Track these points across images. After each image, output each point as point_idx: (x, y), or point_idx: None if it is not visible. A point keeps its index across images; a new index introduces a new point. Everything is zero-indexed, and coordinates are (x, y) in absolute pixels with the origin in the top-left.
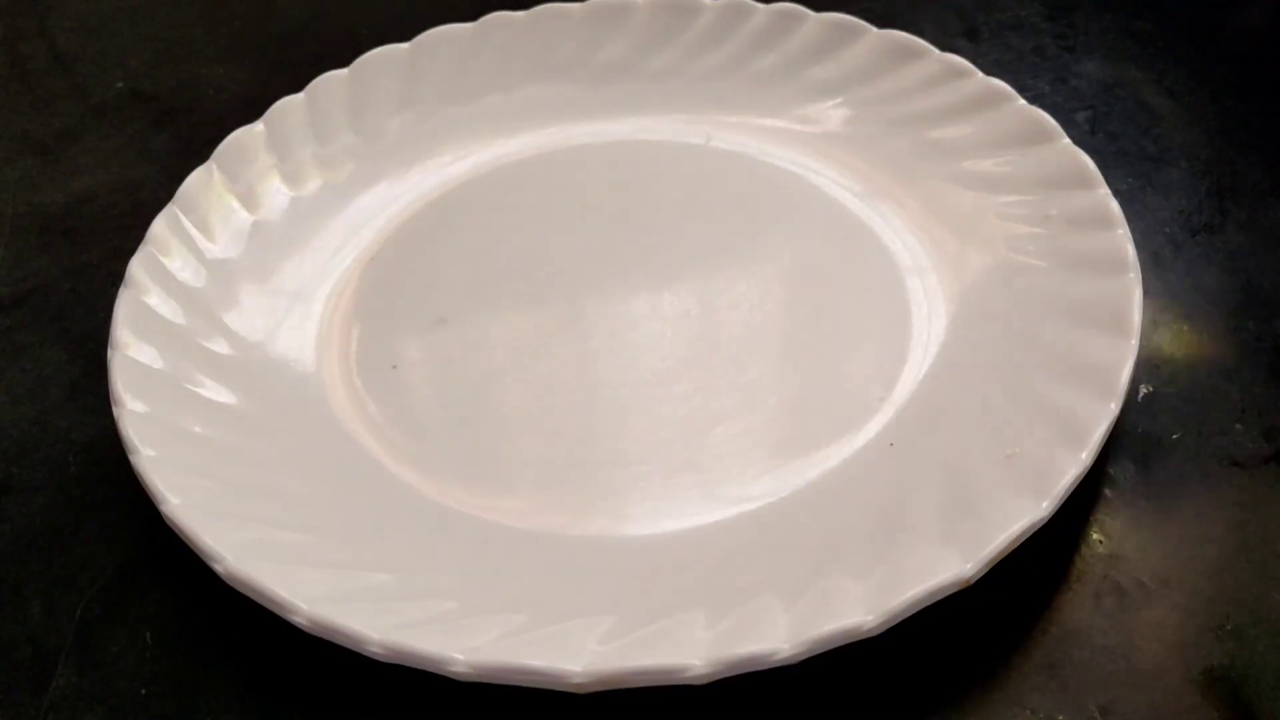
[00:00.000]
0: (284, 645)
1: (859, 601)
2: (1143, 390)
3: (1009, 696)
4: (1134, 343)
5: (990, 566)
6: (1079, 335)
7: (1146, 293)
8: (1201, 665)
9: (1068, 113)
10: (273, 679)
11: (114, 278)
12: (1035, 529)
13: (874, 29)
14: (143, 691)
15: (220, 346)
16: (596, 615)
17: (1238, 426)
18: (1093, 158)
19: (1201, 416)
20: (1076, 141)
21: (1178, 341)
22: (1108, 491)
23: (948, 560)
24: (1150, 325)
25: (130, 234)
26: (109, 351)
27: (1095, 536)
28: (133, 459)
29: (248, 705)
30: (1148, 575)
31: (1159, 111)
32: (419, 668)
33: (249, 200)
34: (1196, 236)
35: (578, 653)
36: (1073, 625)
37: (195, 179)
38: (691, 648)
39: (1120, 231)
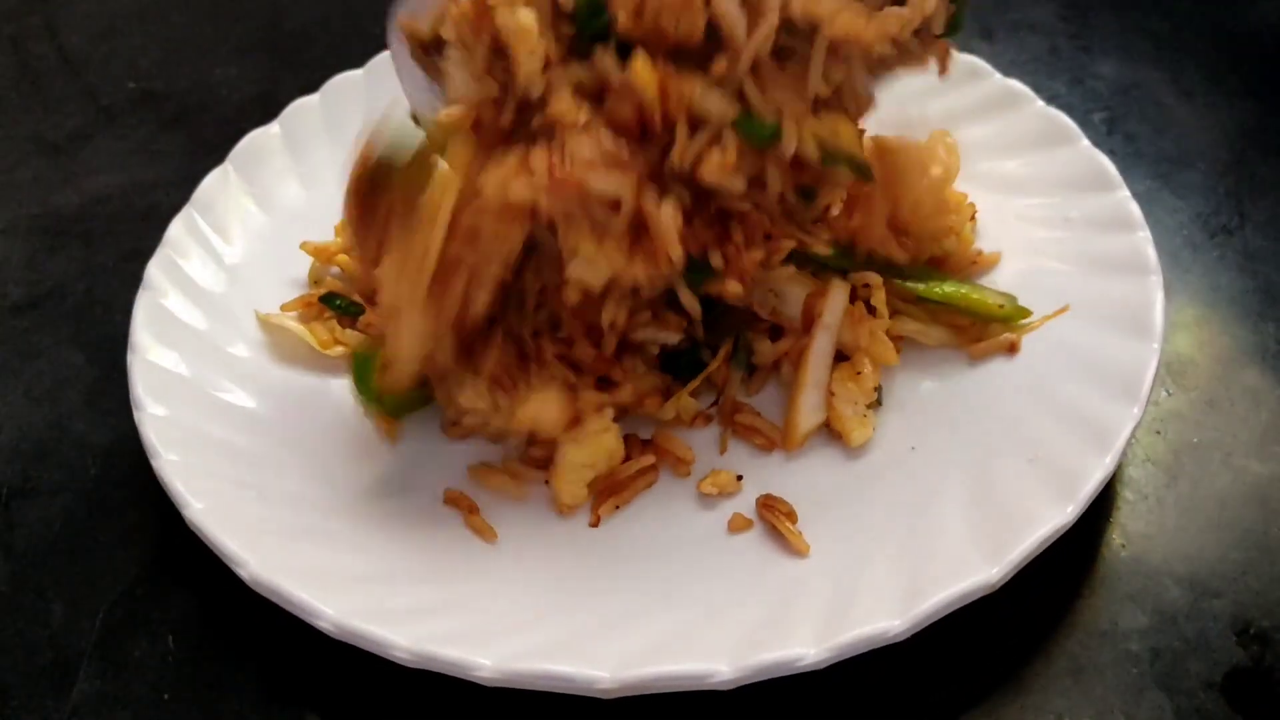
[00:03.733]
0: (307, 650)
1: (885, 606)
2: (1164, 393)
3: (1034, 702)
4: (1156, 346)
5: (1016, 571)
6: (1101, 338)
7: (1165, 295)
8: (1226, 669)
9: (1084, 113)
10: (295, 684)
11: (130, 279)
12: (1060, 534)
13: None
14: (165, 696)
15: (240, 350)
16: (622, 620)
17: (1260, 429)
18: (1110, 159)
19: (1223, 419)
20: (1094, 143)
21: (1198, 344)
22: (1129, 494)
23: (973, 565)
24: (1170, 327)
25: (145, 235)
26: (129, 355)
27: (1118, 540)
28: (154, 463)
29: (270, 710)
30: (1170, 579)
31: (1176, 112)
32: (445, 673)
33: (265, 202)
34: (1215, 238)
35: (604, 658)
36: (1096, 629)
37: (211, 181)
38: (717, 653)
39: (1141, 234)
